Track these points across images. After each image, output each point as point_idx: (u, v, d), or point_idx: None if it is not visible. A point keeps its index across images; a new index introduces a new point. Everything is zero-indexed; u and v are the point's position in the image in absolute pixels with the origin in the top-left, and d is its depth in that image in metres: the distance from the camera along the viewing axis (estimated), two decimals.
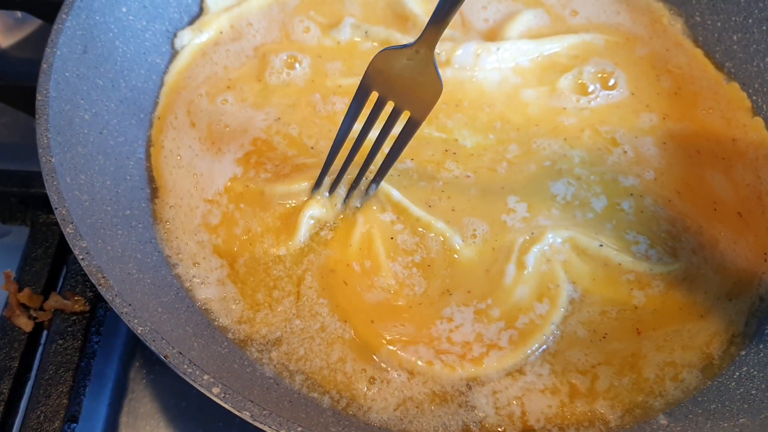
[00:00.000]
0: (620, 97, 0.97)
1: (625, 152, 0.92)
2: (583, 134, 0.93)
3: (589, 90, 0.97)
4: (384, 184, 0.84)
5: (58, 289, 0.87)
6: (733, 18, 0.99)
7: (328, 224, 0.84)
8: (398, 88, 0.75)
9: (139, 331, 0.61)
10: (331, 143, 0.80)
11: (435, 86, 0.73)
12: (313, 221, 0.83)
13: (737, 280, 0.82)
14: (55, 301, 0.83)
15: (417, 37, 0.67)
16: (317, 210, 0.83)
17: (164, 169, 0.87)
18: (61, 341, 0.81)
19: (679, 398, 0.74)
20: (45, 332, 0.84)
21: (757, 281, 0.82)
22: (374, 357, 0.75)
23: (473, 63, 0.97)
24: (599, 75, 0.98)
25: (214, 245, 0.82)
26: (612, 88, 0.98)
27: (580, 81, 0.97)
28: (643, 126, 0.94)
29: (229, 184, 0.86)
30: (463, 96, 0.96)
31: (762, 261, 0.83)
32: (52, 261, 0.87)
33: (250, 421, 0.58)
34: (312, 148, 0.90)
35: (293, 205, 0.84)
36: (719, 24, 1.01)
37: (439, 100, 0.74)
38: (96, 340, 0.84)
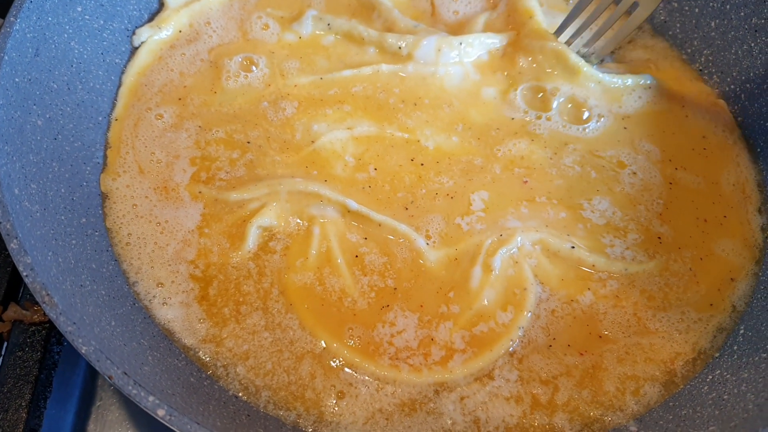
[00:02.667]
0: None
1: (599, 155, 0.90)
2: (546, 134, 0.91)
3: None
4: (338, 197, 0.82)
5: (18, 299, 0.85)
6: (711, 4, 0.96)
7: (279, 235, 0.82)
8: None
9: (83, 351, 0.59)
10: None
11: None
12: (259, 230, 0.82)
13: (710, 288, 0.80)
14: (14, 311, 0.81)
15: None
16: (266, 219, 0.81)
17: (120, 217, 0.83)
18: (20, 353, 0.79)
19: (639, 413, 0.73)
20: (5, 344, 0.82)
21: (731, 290, 0.81)
22: (345, 369, 0.73)
23: (435, 58, 0.94)
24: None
25: (190, 274, 0.79)
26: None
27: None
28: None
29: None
30: (424, 93, 0.93)
31: (738, 259, 0.82)
32: (12, 270, 0.85)
33: None
34: (249, 142, 0.88)
35: (246, 213, 0.82)
36: (696, 10, 0.98)
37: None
38: (57, 350, 0.82)
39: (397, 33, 0.97)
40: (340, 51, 0.97)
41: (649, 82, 0.94)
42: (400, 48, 0.95)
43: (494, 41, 0.96)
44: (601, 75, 0.93)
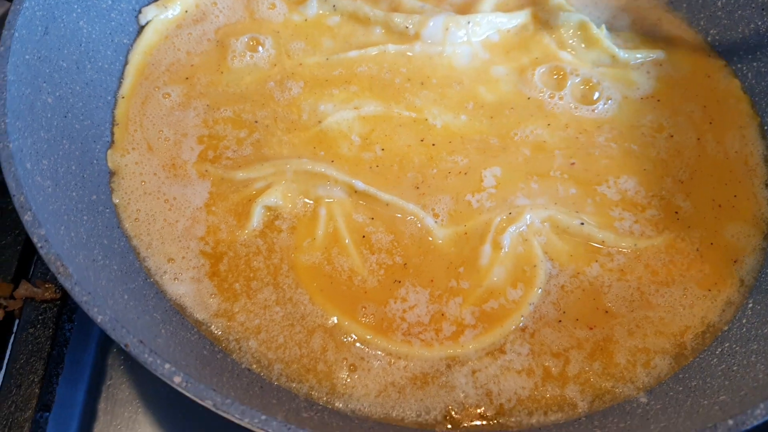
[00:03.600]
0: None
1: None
2: (562, 115, 0.91)
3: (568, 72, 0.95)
4: (345, 177, 0.82)
5: (29, 277, 0.85)
6: None
7: (285, 214, 0.82)
8: None
9: (99, 320, 0.59)
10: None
11: None
12: (264, 210, 0.82)
13: (714, 269, 0.81)
14: (25, 289, 0.81)
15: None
16: (272, 199, 0.81)
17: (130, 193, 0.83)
18: (32, 330, 0.80)
19: (650, 384, 0.73)
20: (16, 321, 0.82)
21: (740, 263, 0.81)
22: (357, 344, 0.74)
23: (442, 38, 0.94)
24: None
25: (200, 250, 0.79)
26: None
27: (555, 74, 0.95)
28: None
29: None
30: (431, 72, 0.93)
31: (747, 241, 0.82)
32: (23, 248, 0.86)
33: (213, 409, 0.57)
34: (256, 122, 0.88)
35: (252, 193, 0.83)
36: None
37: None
38: (68, 327, 0.83)
39: (403, 13, 0.97)
40: (346, 31, 0.97)
41: (660, 57, 0.95)
42: (407, 28, 0.95)
43: (502, 20, 0.96)
44: (617, 49, 0.94)
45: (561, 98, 0.92)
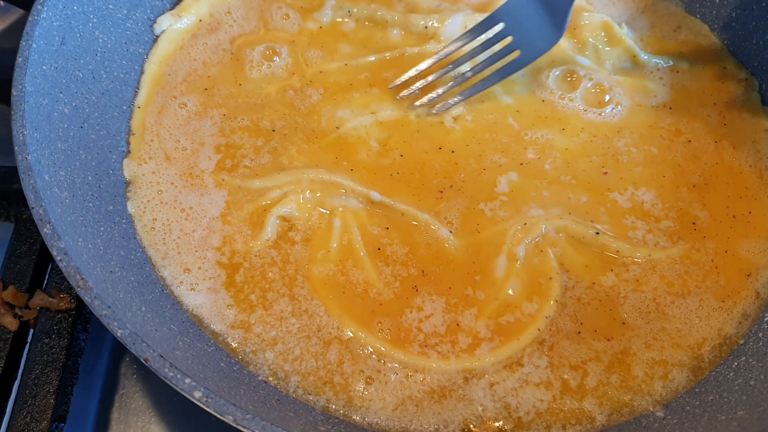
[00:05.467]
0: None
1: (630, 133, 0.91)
2: (573, 119, 0.91)
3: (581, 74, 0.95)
4: (362, 188, 0.82)
5: (43, 286, 0.86)
6: None
7: (299, 225, 0.82)
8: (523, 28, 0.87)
9: (119, 334, 0.59)
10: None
11: (555, 36, 0.86)
12: (278, 220, 0.81)
13: (729, 280, 0.80)
14: (40, 299, 0.82)
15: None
16: (287, 209, 0.81)
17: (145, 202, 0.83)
18: (47, 340, 0.80)
19: (667, 398, 0.73)
20: (31, 331, 0.82)
21: (754, 276, 0.80)
22: (373, 356, 0.73)
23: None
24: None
25: (216, 260, 0.79)
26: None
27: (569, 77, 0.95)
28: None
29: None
30: None
31: (762, 255, 0.82)
32: (37, 258, 0.86)
33: (233, 425, 0.57)
34: (274, 130, 0.88)
35: (267, 202, 0.82)
36: (716, 1, 0.98)
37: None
38: (83, 337, 0.83)
39: (420, 13, 0.97)
40: (362, 36, 0.97)
41: (681, 65, 0.96)
42: (426, 28, 0.95)
43: None
44: (638, 49, 0.95)
45: (571, 100, 0.92)
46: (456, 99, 0.90)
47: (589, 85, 0.93)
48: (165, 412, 0.87)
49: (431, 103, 0.91)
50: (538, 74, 0.95)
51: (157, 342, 0.62)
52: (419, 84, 0.91)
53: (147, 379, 0.89)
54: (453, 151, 0.87)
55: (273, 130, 0.88)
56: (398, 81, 0.92)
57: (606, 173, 0.87)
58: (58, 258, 0.63)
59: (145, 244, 0.79)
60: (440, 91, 0.90)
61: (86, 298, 0.61)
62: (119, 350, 0.90)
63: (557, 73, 0.94)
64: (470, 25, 0.94)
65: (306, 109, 0.90)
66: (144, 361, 0.58)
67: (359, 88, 0.92)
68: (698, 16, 1.01)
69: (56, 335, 0.80)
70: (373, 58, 0.94)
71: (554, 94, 0.93)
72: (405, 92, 0.91)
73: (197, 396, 0.57)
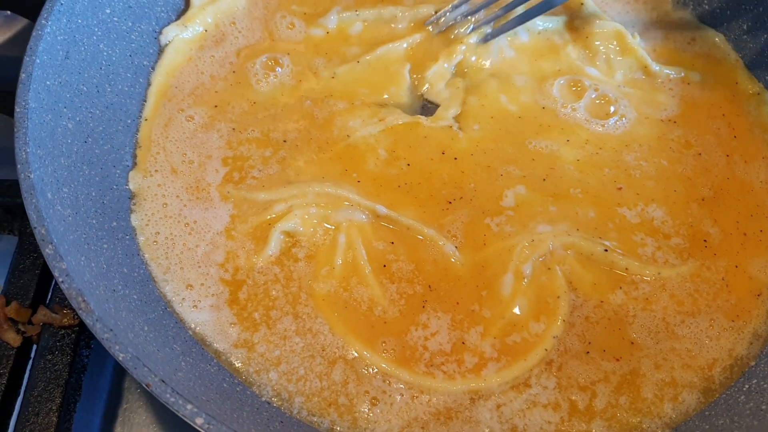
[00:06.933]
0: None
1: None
2: (576, 129, 0.90)
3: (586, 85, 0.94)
4: (367, 202, 0.81)
5: (47, 302, 0.85)
6: (743, 6, 0.95)
7: (303, 242, 0.81)
8: None
9: (120, 358, 0.59)
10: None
11: None
12: (282, 236, 0.81)
13: (740, 299, 0.79)
14: (43, 314, 0.81)
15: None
16: (291, 224, 0.80)
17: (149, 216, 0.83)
18: (50, 356, 0.79)
19: (677, 420, 0.72)
20: (34, 347, 0.82)
21: (765, 296, 0.79)
22: (378, 376, 0.73)
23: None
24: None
25: (219, 277, 0.78)
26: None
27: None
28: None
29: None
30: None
31: None
32: (41, 273, 0.85)
33: None
34: (285, 141, 0.88)
35: (271, 217, 0.82)
36: (728, 12, 0.97)
37: None
38: (86, 353, 0.82)
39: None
40: (369, 36, 0.97)
41: (693, 77, 0.95)
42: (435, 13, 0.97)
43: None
44: (649, 59, 0.95)
45: (574, 109, 0.91)
46: (487, 29, 0.94)
47: (593, 95, 0.92)
48: (168, 426, 0.87)
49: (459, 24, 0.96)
50: (543, 81, 0.94)
51: (159, 364, 0.62)
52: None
53: (150, 393, 0.88)
54: (456, 158, 0.87)
55: (284, 141, 0.87)
56: (433, 18, 0.96)
57: (620, 188, 0.85)
58: (60, 279, 0.62)
59: (147, 259, 0.78)
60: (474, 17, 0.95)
61: (88, 321, 0.60)
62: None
63: (562, 81, 0.93)
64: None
65: (323, 119, 0.90)
66: (145, 386, 0.57)
67: (369, 85, 0.93)
68: (712, 28, 0.99)
69: (59, 351, 0.80)
70: (381, 51, 0.95)
71: (557, 102, 0.92)
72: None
73: (199, 422, 0.56)
